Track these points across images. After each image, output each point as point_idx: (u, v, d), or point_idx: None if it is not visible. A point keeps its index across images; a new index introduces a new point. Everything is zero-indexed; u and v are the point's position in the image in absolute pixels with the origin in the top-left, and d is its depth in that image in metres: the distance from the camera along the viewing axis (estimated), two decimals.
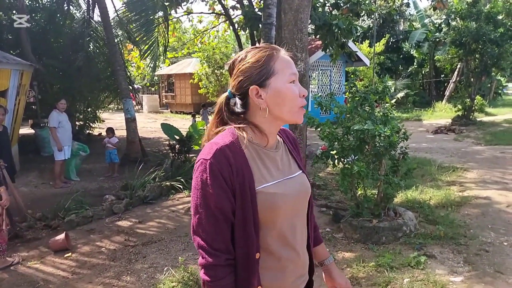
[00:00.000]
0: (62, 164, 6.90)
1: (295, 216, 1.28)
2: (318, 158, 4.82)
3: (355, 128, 3.94)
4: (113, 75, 9.78)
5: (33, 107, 10.68)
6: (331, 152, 4.21)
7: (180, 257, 3.71)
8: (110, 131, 7.99)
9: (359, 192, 4.68)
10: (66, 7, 11.48)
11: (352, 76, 19.81)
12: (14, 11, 10.30)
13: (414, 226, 4.27)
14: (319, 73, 16.15)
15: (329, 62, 15.19)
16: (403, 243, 4.01)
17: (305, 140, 5.88)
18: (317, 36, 9.51)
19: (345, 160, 4.27)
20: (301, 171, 1.34)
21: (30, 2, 10.96)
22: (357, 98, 4.33)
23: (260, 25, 9.89)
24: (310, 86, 14.25)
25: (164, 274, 3.38)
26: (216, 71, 18.98)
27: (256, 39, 11.86)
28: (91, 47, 11.15)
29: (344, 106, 4.49)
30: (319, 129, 4.42)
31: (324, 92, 15.70)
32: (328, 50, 9.37)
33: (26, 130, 11.14)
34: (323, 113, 5.53)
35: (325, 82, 16.61)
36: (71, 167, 7.33)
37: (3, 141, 4.99)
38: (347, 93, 4.62)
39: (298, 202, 1.29)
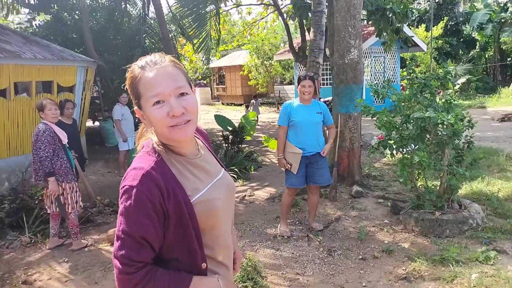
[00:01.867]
0: (126, 154, 7.35)
1: (228, 213, 1.31)
2: (374, 148, 4.70)
3: (415, 116, 3.78)
4: None
5: (97, 101, 11.39)
6: (389, 141, 4.07)
7: (239, 244, 3.81)
8: None
9: (420, 183, 4.50)
10: (123, 5, 12.03)
11: (410, 61, 18.89)
12: (77, 11, 11.01)
13: (481, 219, 4.04)
14: (372, 60, 15.58)
15: (382, 49, 14.62)
16: (469, 237, 3.81)
17: (360, 129, 5.74)
18: (370, 22, 9.17)
19: (404, 150, 4.12)
20: (223, 170, 1.34)
21: (90, 2, 11.64)
22: (416, 85, 4.14)
23: (310, 14, 9.74)
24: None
25: None
26: (265, 62, 18.98)
27: (305, 28, 11.68)
28: (147, 43, 11.62)
29: (402, 93, 4.32)
30: (375, 118, 4.29)
31: (378, 81, 15.15)
32: (382, 36, 9.00)
33: (91, 123, 11.91)
34: (378, 101, 5.36)
35: (379, 70, 15.99)
36: (134, 156, 7.78)
37: (73, 133, 5.39)
38: (405, 80, 4.44)
39: (228, 200, 1.30)
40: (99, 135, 10.42)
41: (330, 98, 13.89)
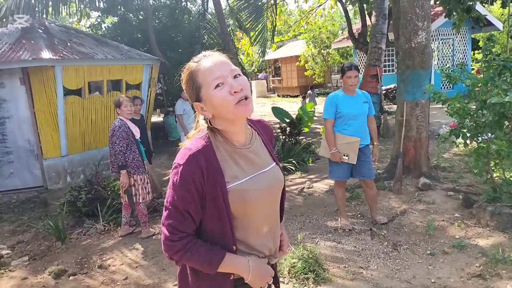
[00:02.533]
0: None
1: (268, 207, 1.36)
2: (444, 138, 4.39)
3: (492, 102, 3.45)
4: None
5: (160, 97, 11.96)
6: (462, 129, 3.77)
7: (299, 235, 3.80)
8: None
9: (496, 175, 4.13)
10: (184, 3, 12.43)
11: (487, 42, 17.36)
12: (141, 12, 11.59)
13: None
14: (439, 43, 14.54)
15: (451, 30, 13.57)
16: None
17: (428, 117, 5.38)
18: (437, 2, 8.53)
19: (480, 139, 3.79)
20: (274, 164, 1.39)
21: (153, 2, 12.18)
22: (494, 67, 3.77)
23: None
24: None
25: None
26: (322, 51, 18.58)
27: (366, 13, 11.20)
28: (206, 39, 11.92)
29: (478, 77, 3.96)
30: (445, 105, 4.00)
31: (446, 65, 14.10)
32: (451, 16, 8.33)
33: (155, 118, 12.57)
34: (447, 87, 4.97)
35: (447, 53, 14.88)
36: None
37: (141, 128, 5.72)
38: (478, 63, 4.07)
39: (271, 194, 1.35)
40: (163, 130, 10.95)
41: (392, 86, 13.30)
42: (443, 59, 14.79)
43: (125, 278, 3.51)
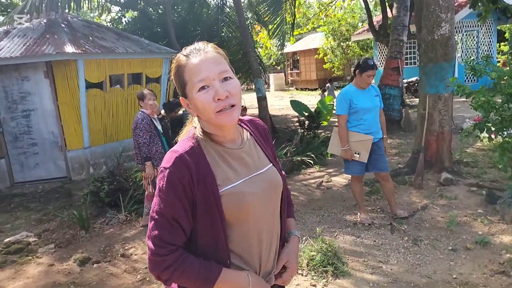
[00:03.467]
0: None
1: (266, 210, 1.23)
2: (467, 132, 4.29)
3: None
4: (244, 57, 10.33)
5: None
6: (487, 124, 3.68)
7: (317, 229, 3.80)
8: (244, 109, 8.53)
9: None
10: None
11: None
12: (161, 6, 11.68)
13: None
14: (463, 35, 14.14)
15: (476, 22, 13.16)
16: None
17: (451, 111, 5.26)
18: None
19: (505, 133, 3.69)
20: (270, 165, 1.28)
21: None
22: None
23: None
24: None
25: (304, 243, 3.52)
26: (341, 43, 18.35)
27: (387, 5, 10.99)
28: (224, 32, 11.93)
29: (504, 70, 3.84)
30: (469, 98, 3.90)
31: (470, 57, 13.72)
32: (476, 7, 8.09)
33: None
34: (472, 80, 4.85)
35: (471, 45, 14.47)
36: None
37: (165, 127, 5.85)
38: (506, 55, 3.95)
39: (268, 197, 1.23)
40: (181, 122, 11.05)
41: (414, 79, 13.03)
42: (467, 51, 14.40)
43: (146, 267, 3.59)
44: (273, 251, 1.28)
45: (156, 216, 1.11)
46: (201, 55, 1.13)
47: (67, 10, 7.91)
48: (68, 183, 6.78)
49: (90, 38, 7.27)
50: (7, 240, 4.26)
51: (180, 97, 1.20)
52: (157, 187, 1.14)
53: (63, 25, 7.44)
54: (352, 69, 20.51)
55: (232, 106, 1.12)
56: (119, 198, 5.01)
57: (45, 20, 7.50)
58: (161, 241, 1.09)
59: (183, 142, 1.18)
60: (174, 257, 1.09)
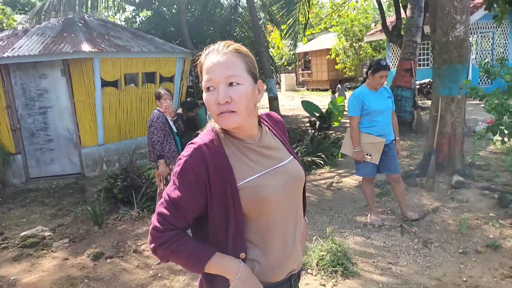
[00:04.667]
0: None
1: (288, 204, 1.24)
2: (480, 135, 4.27)
3: None
4: (257, 57, 10.36)
5: (191, 90, 12.16)
6: (500, 126, 3.66)
7: (327, 229, 3.82)
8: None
9: None
10: None
11: None
12: (175, 6, 11.79)
13: None
14: (478, 37, 13.94)
15: (491, 23, 12.98)
16: None
17: (464, 114, 5.23)
18: None
19: None
20: (291, 157, 1.29)
21: None
22: None
23: None
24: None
25: (313, 243, 3.55)
26: (354, 44, 18.25)
27: (401, 5, 10.91)
28: (237, 32, 11.99)
29: None
30: (483, 100, 3.88)
31: (485, 59, 13.52)
32: (492, 9, 7.99)
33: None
34: (486, 83, 4.80)
35: (486, 47, 14.26)
36: None
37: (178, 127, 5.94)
38: None
39: (290, 189, 1.24)
40: (193, 121, 11.14)
41: (426, 80, 12.90)
42: (482, 53, 14.20)
43: (158, 263, 3.66)
44: (297, 242, 1.30)
45: (166, 197, 1.17)
46: (215, 57, 1.16)
47: (84, 10, 8.05)
48: (81, 179, 6.92)
49: (106, 37, 7.39)
50: (23, 234, 4.39)
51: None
52: (173, 173, 1.19)
53: (80, 24, 7.59)
54: (364, 70, 20.36)
55: (232, 112, 1.13)
56: (132, 195, 5.10)
57: (62, 19, 7.66)
58: (163, 220, 1.15)
59: (204, 135, 1.22)
60: (171, 234, 1.15)
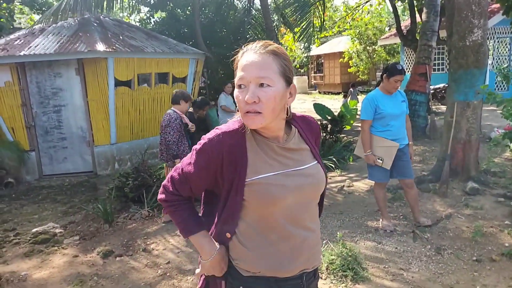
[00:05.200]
0: None
1: (301, 207, 1.25)
2: (496, 141, 4.18)
3: None
4: None
5: (202, 91, 12.21)
6: None
7: (338, 233, 3.78)
8: None
9: None
10: None
11: None
12: (189, 7, 11.87)
13: None
14: (495, 42, 13.72)
15: (508, 29, 12.75)
16: None
17: (480, 119, 5.13)
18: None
19: None
20: (315, 162, 1.31)
21: None
22: None
23: None
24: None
25: (324, 247, 3.50)
26: (368, 47, 18.12)
27: (416, 9, 10.80)
28: (250, 34, 12.00)
29: None
30: (500, 106, 3.80)
31: (503, 64, 13.29)
32: (509, 14, 7.84)
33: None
34: (503, 88, 4.70)
35: (503, 53, 14.02)
36: None
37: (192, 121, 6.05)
38: None
39: (305, 193, 1.25)
40: (204, 122, 11.18)
41: (441, 85, 12.73)
42: (499, 58, 13.96)
43: (167, 262, 3.66)
44: (306, 248, 1.28)
45: (180, 167, 1.29)
46: (250, 56, 1.16)
47: (99, 10, 8.15)
48: (93, 178, 6.98)
49: (121, 37, 7.47)
50: (34, 230, 4.44)
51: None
52: (192, 150, 1.28)
53: (95, 24, 7.68)
54: (378, 74, 20.22)
55: (258, 113, 1.14)
56: (142, 194, 5.12)
57: (78, 19, 7.77)
58: (172, 184, 1.30)
59: (231, 123, 1.25)
60: (174, 198, 1.30)
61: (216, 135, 1.20)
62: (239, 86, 1.17)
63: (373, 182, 4.05)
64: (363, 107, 3.78)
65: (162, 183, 1.35)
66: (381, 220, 4.05)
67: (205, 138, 1.22)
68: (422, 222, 3.95)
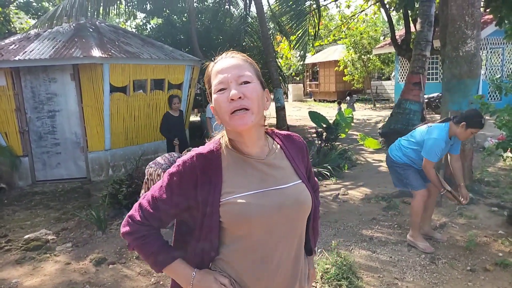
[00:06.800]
0: None
1: (281, 230, 1.18)
2: (490, 151, 4.21)
3: None
4: (265, 67, 10.41)
5: (198, 98, 12.22)
6: (511, 143, 3.61)
7: (333, 241, 3.77)
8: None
9: None
10: (226, 6, 12.66)
11: None
12: (185, 14, 11.92)
13: None
14: (488, 52, 13.91)
15: (501, 39, 12.93)
16: None
17: None
18: (487, 10, 8.20)
19: None
20: (299, 181, 1.23)
21: (197, 4, 12.48)
22: None
23: (417, 4, 9.08)
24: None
25: (318, 256, 3.49)
26: (362, 56, 18.26)
27: (410, 19, 10.93)
28: (246, 42, 12.06)
29: None
30: (493, 116, 3.84)
31: (495, 75, 13.45)
32: (502, 25, 7.97)
33: (192, 118, 12.85)
34: (496, 98, 4.76)
35: (496, 63, 14.21)
36: None
37: (179, 123, 6.10)
38: None
39: (286, 215, 1.18)
40: (199, 129, 11.19)
41: (435, 94, 12.84)
42: (491, 69, 14.15)
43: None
44: (285, 273, 1.23)
45: (150, 193, 1.21)
46: (226, 60, 1.18)
47: (95, 16, 8.15)
48: (87, 184, 6.92)
49: (116, 43, 7.46)
50: (26, 236, 4.38)
51: (210, 105, 1.23)
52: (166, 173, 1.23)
53: (91, 30, 7.67)
54: (373, 82, 20.31)
55: (246, 110, 1.12)
56: (136, 201, 5.06)
57: (74, 24, 7.76)
58: (140, 212, 1.19)
59: (207, 144, 1.24)
60: (142, 229, 1.19)
61: (190, 157, 1.17)
62: (220, 90, 1.14)
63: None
64: (432, 146, 3.42)
65: (128, 214, 1.23)
66: (414, 240, 3.71)
67: (179, 161, 1.19)
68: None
